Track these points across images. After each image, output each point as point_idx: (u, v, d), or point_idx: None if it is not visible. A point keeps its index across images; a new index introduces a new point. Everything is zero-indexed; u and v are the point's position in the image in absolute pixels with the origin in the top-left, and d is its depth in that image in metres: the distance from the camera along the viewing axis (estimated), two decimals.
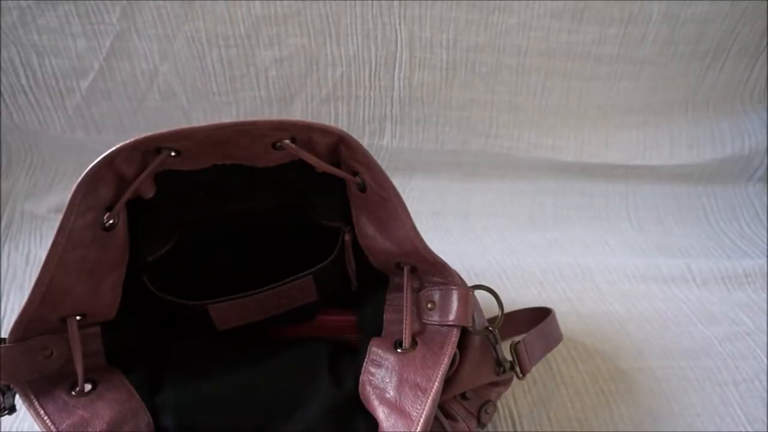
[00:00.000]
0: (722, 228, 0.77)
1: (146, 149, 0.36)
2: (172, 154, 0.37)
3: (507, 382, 0.47)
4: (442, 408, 0.43)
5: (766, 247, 0.73)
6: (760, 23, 0.73)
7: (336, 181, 0.41)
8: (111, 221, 0.37)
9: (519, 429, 0.49)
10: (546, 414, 0.51)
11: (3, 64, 0.66)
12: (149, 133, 0.35)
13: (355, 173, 0.39)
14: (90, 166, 0.34)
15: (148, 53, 0.66)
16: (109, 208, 0.36)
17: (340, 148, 0.38)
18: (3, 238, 0.68)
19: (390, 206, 0.38)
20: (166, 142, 0.36)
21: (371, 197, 0.39)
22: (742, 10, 0.72)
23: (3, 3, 0.62)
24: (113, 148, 0.34)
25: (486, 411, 0.45)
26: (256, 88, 0.70)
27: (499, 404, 0.51)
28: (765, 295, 0.64)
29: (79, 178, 0.34)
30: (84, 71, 0.67)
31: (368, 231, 0.42)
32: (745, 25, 0.73)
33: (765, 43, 0.75)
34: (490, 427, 0.49)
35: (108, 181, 0.36)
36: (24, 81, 0.67)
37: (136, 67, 0.67)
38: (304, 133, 0.37)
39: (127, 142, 0.35)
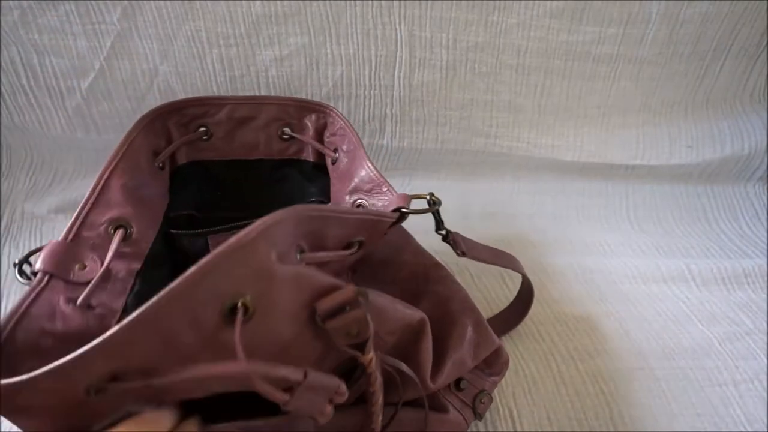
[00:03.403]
0: (722, 228, 0.77)
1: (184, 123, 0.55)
2: (202, 129, 0.55)
3: (500, 372, 0.48)
4: (434, 400, 0.44)
5: (766, 247, 0.73)
6: (760, 23, 0.73)
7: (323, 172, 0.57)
8: (160, 164, 0.51)
9: (519, 429, 0.49)
10: (546, 414, 0.51)
11: (3, 64, 0.66)
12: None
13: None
14: (147, 112, 0.51)
15: (149, 53, 0.66)
16: (156, 154, 0.51)
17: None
18: (3, 238, 0.68)
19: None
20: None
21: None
22: (742, 10, 0.72)
23: (3, 2, 0.61)
24: (156, 107, 0.52)
25: (481, 401, 0.46)
26: (256, 88, 0.70)
27: (499, 404, 0.51)
28: (765, 295, 0.65)
29: (139, 119, 0.50)
30: (84, 71, 0.67)
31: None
32: (745, 25, 0.73)
33: (764, 43, 0.75)
34: (490, 426, 0.49)
35: (158, 131, 0.52)
36: (24, 81, 0.67)
37: (137, 67, 0.67)
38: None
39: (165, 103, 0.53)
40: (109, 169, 0.45)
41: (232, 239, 0.28)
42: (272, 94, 0.71)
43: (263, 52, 0.68)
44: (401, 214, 0.43)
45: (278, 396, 0.29)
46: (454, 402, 0.45)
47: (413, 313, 0.40)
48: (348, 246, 0.39)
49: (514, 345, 0.57)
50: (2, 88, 0.67)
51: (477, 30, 0.70)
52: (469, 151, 0.78)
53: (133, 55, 0.66)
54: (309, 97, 0.71)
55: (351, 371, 0.38)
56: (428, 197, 0.46)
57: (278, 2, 0.65)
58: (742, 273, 0.67)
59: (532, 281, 0.60)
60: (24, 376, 0.27)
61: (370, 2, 0.66)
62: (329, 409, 0.31)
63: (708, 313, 0.62)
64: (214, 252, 0.28)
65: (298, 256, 0.34)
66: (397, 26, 0.68)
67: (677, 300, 0.64)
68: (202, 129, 0.56)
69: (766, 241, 0.74)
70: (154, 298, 0.27)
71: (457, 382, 0.45)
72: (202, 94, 0.69)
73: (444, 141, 0.77)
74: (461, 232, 0.54)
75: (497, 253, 0.54)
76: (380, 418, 0.36)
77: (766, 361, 0.56)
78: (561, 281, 0.66)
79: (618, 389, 0.53)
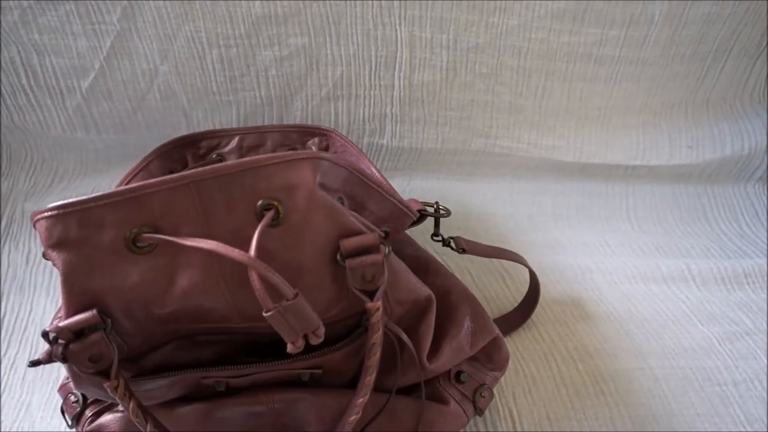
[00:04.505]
0: (722, 228, 0.77)
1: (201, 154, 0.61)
2: (217, 157, 0.60)
3: (501, 367, 0.48)
4: (435, 391, 0.45)
5: (766, 247, 0.73)
6: (761, 24, 0.73)
7: None
8: None
9: (519, 429, 0.49)
10: (546, 414, 0.51)
11: (3, 64, 0.66)
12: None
13: None
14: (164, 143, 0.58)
15: (148, 53, 0.66)
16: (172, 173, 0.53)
17: None
18: (3, 238, 0.68)
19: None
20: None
21: None
22: (743, 11, 0.72)
23: (4, 2, 0.62)
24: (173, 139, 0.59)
25: (482, 395, 0.46)
26: (256, 88, 0.70)
27: (499, 404, 0.51)
28: (765, 295, 0.65)
29: (156, 147, 0.57)
30: (84, 71, 0.67)
31: None
32: (746, 26, 0.73)
33: (765, 43, 0.75)
34: (490, 426, 0.49)
35: (175, 158, 0.58)
36: (24, 81, 0.67)
37: (136, 67, 0.67)
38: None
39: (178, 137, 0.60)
40: (128, 179, 0.50)
41: (287, 152, 0.33)
42: (272, 94, 0.71)
43: (263, 52, 0.68)
44: (421, 215, 0.45)
45: (266, 300, 0.31)
46: (454, 394, 0.45)
47: (423, 289, 0.42)
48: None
49: (514, 345, 0.57)
50: (2, 88, 0.67)
51: (477, 31, 0.70)
52: (469, 151, 0.78)
53: (133, 55, 0.66)
54: (309, 98, 0.72)
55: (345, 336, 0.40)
56: (435, 205, 0.48)
57: (278, 3, 0.65)
58: (742, 273, 0.67)
59: None
60: (77, 198, 0.31)
61: (370, 3, 0.66)
62: (301, 342, 0.32)
63: (708, 313, 0.62)
64: (265, 155, 0.32)
65: (336, 202, 0.37)
66: (398, 27, 0.68)
67: (677, 300, 0.64)
68: (216, 157, 0.60)
69: (766, 241, 0.74)
70: (201, 168, 0.32)
71: (458, 375, 0.46)
72: (202, 94, 0.69)
73: (444, 141, 0.77)
74: (461, 232, 0.54)
75: (499, 249, 0.55)
76: (374, 375, 0.37)
77: (766, 361, 0.56)
78: (561, 281, 0.66)
79: (618, 389, 0.53)
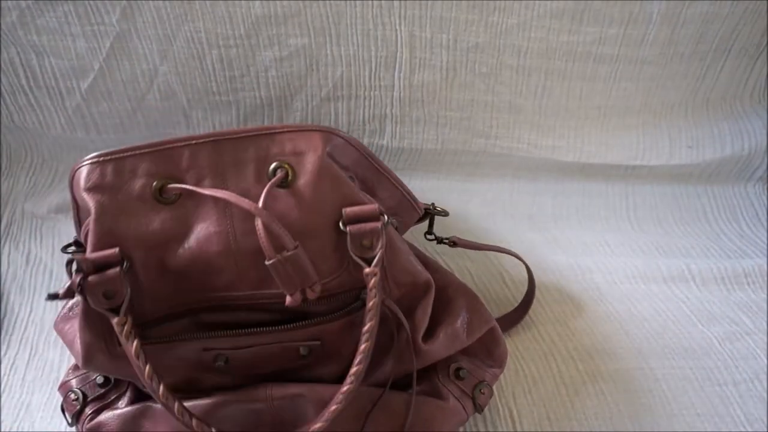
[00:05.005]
0: (722, 228, 0.77)
1: None
2: None
3: (501, 364, 0.49)
4: (433, 387, 0.45)
5: (766, 247, 0.73)
6: (760, 23, 0.73)
7: None
8: None
9: (519, 429, 0.49)
10: (546, 414, 0.51)
11: (3, 65, 0.66)
12: None
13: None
14: None
15: (148, 53, 0.66)
16: None
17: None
18: (3, 238, 0.68)
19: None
20: None
21: None
22: (743, 11, 0.71)
23: (3, 3, 0.62)
24: None
25: (481, 392, 0.46)
26: (256, 88, 0.70)
27: (499, 404, 0.51)
28: (765, 295, 0.64)
29: None
30: (84, 71, 0.67)
31: None
32: (746, 25, 0.73)
33: (765, 43, 0.75)
34: (490, 426, 0.49)
35: None
36: (24, 81, 0.67)
37: (136, 67, 0.67)
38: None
39: None
40: None
41: (300, 123, 0.36)
42: (272, 94, 0.70)
43: (263, 52, 0.68)
44: (425, 212, 0.48)
45: (269, 248, 0.34)
46: (453, 391, 0.46)
47: (423, 273, 0.44)
48: None
49: (514, 345, 0.57)
50: (2, 88, 0.67)
51: (477, 30, 0.70)
52: (469, 151, 0.78)
53: (132, 55, 0.66)
54: (309, 98, 0.71)
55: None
56: (431, 205, 0.51)
57: (278, 3, 0.65)
58: (742, 273, 0.67)
59: None
60: (115, 148, 0.37)
61: (370, 3, 0.66)
62: (298, 296, 0.35)
63: (708, 313, 0.62)
64: (280, 123, 0.38)
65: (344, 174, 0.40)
66: (398, 27, 0.68)
67: (677, 300, 0.64)
68: None
69: (766, 241, 0.74)
70: (223, 129, 0.37)
71: (457, 371, 0.46)
72: (202, 94, 0.69)
73: (444, 141, 0.77)
74: (461, 232, 0.54)
75: (491, 245, 0.57)
76: (371, 343, 0.38)
77: (766, 361, 0.56)
78: (561, 281, 0.66)
79: (618, 389, 0.53)
